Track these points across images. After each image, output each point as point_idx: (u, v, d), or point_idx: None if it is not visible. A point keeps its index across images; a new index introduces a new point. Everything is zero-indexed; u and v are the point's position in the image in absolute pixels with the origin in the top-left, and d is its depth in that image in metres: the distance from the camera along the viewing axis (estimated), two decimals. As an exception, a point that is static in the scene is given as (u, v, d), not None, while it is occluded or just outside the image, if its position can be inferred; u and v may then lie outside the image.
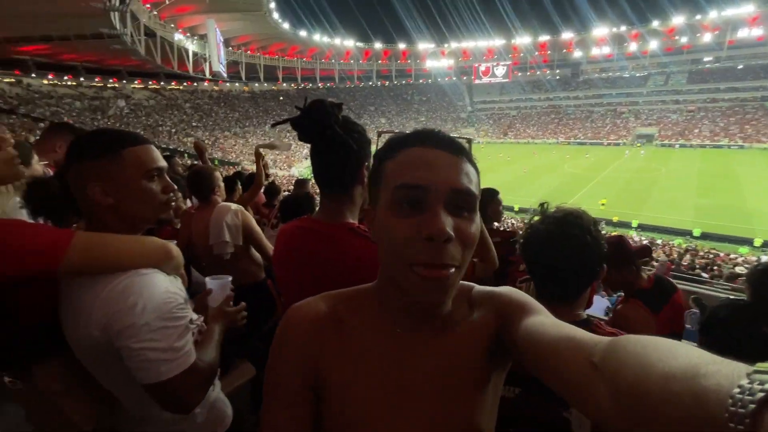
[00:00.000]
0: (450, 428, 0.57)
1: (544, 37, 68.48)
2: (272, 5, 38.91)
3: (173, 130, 37.55)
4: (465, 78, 73.32)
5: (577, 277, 0.98)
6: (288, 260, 1.03)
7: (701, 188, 24.89)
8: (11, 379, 0.82)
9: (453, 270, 0.51)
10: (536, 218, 1.04)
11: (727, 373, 0.30)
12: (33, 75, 33.43)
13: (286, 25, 46.42)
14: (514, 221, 16.56)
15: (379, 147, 0.62)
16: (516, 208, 20.28)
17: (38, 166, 1.79)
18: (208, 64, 39.70)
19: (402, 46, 73.47)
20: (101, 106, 35.70)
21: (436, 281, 0.50)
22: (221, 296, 1.14)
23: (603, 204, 21.18)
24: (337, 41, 63.09)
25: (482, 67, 70.33)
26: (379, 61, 72.83)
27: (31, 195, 1.17)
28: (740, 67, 51.33)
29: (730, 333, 1.63)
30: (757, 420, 0.25)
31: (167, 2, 30.01)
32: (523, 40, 69.61)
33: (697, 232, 17.21)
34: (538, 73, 69.88)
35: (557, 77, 67.96)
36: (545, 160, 38.59)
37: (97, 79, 37.96)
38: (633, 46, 60.16)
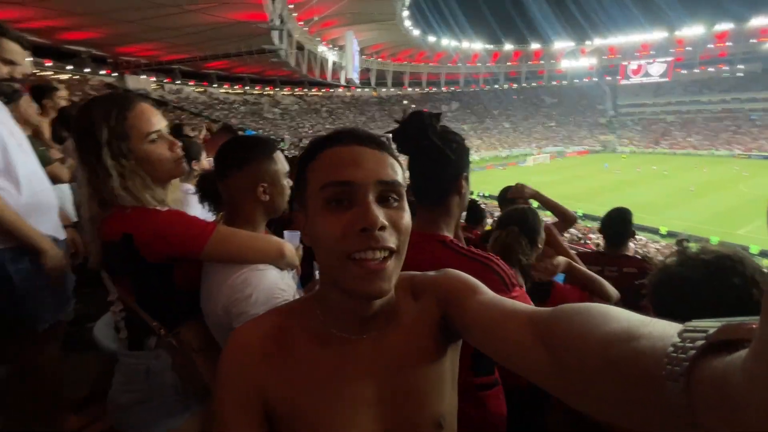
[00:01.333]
0: (409, 427, 0.58)
1: (724, 26, 55.80)
2: (405, 13, 40.64)
3: (310, 132, 42.53)
4: (608, 78, 64.67)
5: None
6: None
7: None
8: (166, 332, 1.04)
9: (391, 258, 0.51)
10: (671, 259, 0.85)
11: (659, 334, 0.31)
12: (215, 85, 41.97)
13: (416, 32, 48.03)
14: (656, 246, 13.95)
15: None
16: (663, 231, 17.08)
17: (205, 162, 2.26)
18: (344, 72, 43.67)
19: (535, 46, 68.71)
20: (258, 110, 42.67)
21: (375, 272, 0.50)
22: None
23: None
24: (465, 44, 62.45)
25: (632, 65, 60.91)
26: (508, 63, 69.47)
27: (200, 185, 1.49)
28: None
29: None
30: (691, 375, 0.27)
31: (316, 18, 34.02)
32: (691, 31, 57.98)
33: None
34: (711, 69, 57.32)
35: (740, 74, 54.68)
36: (713, 175, 31.44)
37: (257, 88, 45.56)
38: None
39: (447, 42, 58.41)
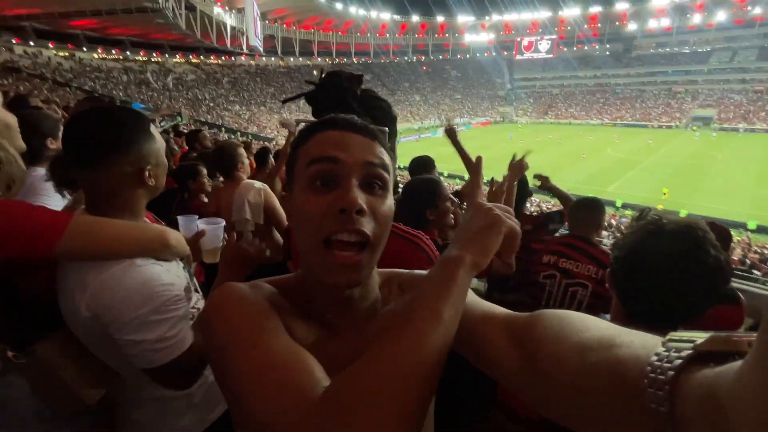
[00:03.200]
0: None
1: (595, 9, 63.52)
2: (308, -24, 38.31)
3: (212, 104, 38.58)
4: (506, 53, 69.85)
5: (695, 311, 0.76)
6: None
7: (762, 177, 22.76)
8: (14, 353, 0.84)
9: (365, 251, 0.51)
10: (632, 234, 0.82)
11: (642, 343, 0.31)
12: (84, 49, 35.14)
13: (322, -3, 45.76)
14: (548, 206, 15.94)
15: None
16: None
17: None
18: (245, 38, 40.02)
19: (440, 19, 70.67)
20: (144, 79, 37.13)
21: (349, 264, 0.49)
22: (215, 240, 1.16)
23: (665, 195, 19.65)
24: (373, 14, 61.56)
25: (525, 42, 66.53)
26: (416, 35, 70.57)
27: (55, 169, 1.19)
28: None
29: None
30: (676, 384, 0.27)
31: (206, -25, 30.26)
32: (571, 12, 64.92)
33: (752, 225, 15.86)
34: (586, 48, 65.30)
35: (607, 52, 63.27)
36: (592, 142, 36.50)
37: (141, 53, 39.39)
38: (696, 18, 54.66)
39: (354, 10, 56.85)
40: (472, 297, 0.55)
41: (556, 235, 2.21)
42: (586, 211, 1.90)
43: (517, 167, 1.66)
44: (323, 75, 0.89)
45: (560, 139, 37.83)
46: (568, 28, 66.00)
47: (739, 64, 49.79)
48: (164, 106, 32.22)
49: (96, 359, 0.88)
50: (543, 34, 66.72)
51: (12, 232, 0.74)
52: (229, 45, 40.76)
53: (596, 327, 0.37)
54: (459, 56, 73.06)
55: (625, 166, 26.67)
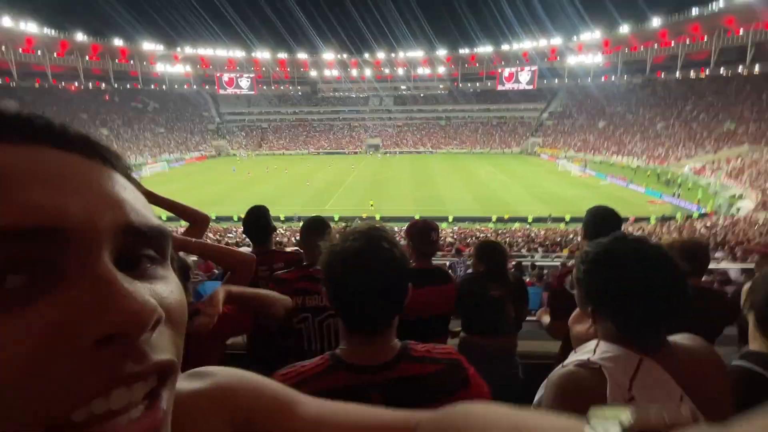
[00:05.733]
0: None
1: (283, 55, 72.64)
2: None
3: None
4: (207, 87, 68.48)
5: (392, 299, 0.85)
6: None
7: (414, 184, 32.97)
8: None
9: (166, 388, 0.25)
10: (334, 244, 0.87)
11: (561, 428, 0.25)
12: None
13: None
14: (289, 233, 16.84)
15: None
16: (282, 218, 20.80)
17: None
18: None
19: (118, 42, 60.85)
20: None
21: None
22: None
23: (372, 205, 24.58)
24: (6, 23, 45.67)
25: (225, 78, 67.56)
26: (87, 58, 57.73)
27: None
28: (422, 95, 71.05)
29: (471, 301, 2.03)
30: None
31: None
32: (263, 54, 71.36)
33: (417, 217, 22.63)
34: (282, 87, 73.54)
35: (299, 93, 73.64)
36: (302, 169, 41.34)
37: None
38: (354, 72, 72.55)
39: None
40: (321, 403, 0.40)
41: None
42: (316, 234, 1.75)
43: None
44: None
45: (284, 168, 41.10)
46: (263, 68, 72.18)
47: (385, 107, 69.98)
48: None
49: None
50: (242, 71, 69.92)
51: None
52: None
53: (508, 423, 0.28)
54: (153, 87, 65.42)
55: (334, 186, 32.09)
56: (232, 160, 49.85)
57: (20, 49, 49.15)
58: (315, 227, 1.90)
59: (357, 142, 60.96)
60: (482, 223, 21.52)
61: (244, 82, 68.45)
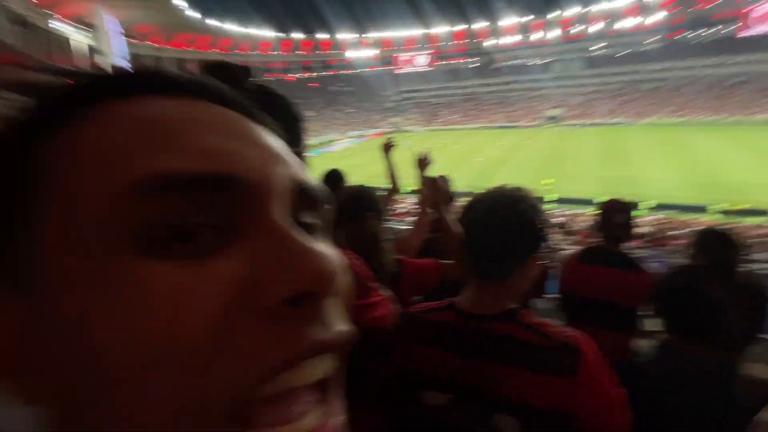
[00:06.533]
0: None
1: (460, 27, 71.68)
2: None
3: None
4: (389, 67, 74.22)
5: (507, 249, 0.84)
6: None
7: (602, 162, 28.27)
8: None
9: (336, 390, 0.21)
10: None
11: None
12: None
13: (191, 12, 42.80)
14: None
15: None
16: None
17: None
18: (103, 58, 35.22)
19: (322, 36, 71.92)
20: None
21: None
22: None
23: (549, 183, 22.10)
24: (252, 31, 59.76)
25: (404, 57, 71.73)
26: (300, 52, 70.58)
27: None
28: (620, 54, 58.79)
29: (677, 297, 1.67)
30: None
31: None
32: (440, 29, 72.12)
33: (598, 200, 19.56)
34: (456, 61, 73.09)
35: (473, 65, 71.75)
36: (470, 145, 40.86)
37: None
38: (536, 35, 65.57)
39: (232, 28, 54.44)
40: None
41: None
42: None
43: (423, 161, 1.90)
44: (206, 67, 0.70)
45: (453, 143, 41.65)
46: (441, 44, 73.10)
47: (571, 72, 61.11)
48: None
49: None
50: (420, 49, 72.75)
51: None
52: (86, 67, 35.31)
53: None
54: (346, 71, 75.19)
55: (502, 162, 30.65)
56: (407, 136, 53.44)
57: (260, 51, 63.84)
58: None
59: (534, 114, 55.78)
60: (694, 214, 16.92)
61: (421, 60, 71.16)
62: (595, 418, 0.76)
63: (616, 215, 1.84)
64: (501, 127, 53.57)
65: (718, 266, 1.74)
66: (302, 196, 0.22)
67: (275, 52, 65.94)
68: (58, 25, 31.16)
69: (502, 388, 0.78)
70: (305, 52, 71.39)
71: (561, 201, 20.54)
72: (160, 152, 0.18)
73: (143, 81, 0.21)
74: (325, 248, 0.20)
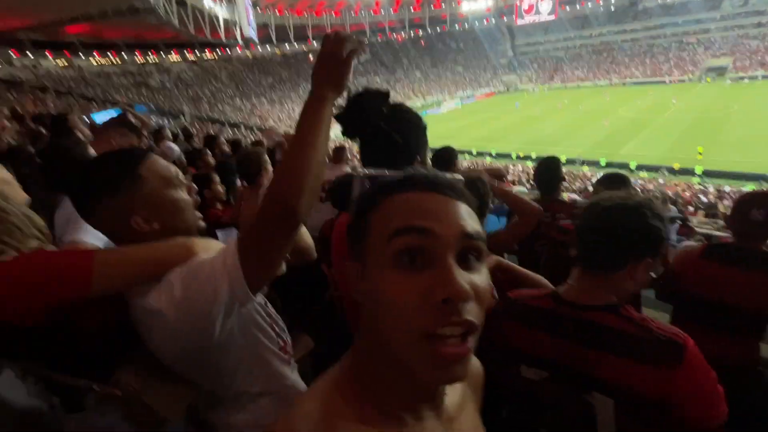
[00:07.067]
0: None
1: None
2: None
3: (212, 100, 38.49)
4: (505, 19, 67.40)
5: (627, 244, 0.89)
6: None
7: (782, 125, 21.90)
8: (99, 385, 0.86)
9: (471, 338, 0.43)
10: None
11: None
12: (81, 55, 35.13)
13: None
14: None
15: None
16: (563, 160, 19.19)
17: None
18: (239, 29, 39.44)
19: (434, -11, 68.26)
20: (143, 81, 37.11)
21: (458, 360, 0.42)
22: None
23: (701, 153, 18.67)
24: (366, -9, 59.82)
25: (524, 5, 63.98)
26: (411, 9, 68.44)
27: None
28: None
29: None
30: None
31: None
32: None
33: (775, 176, 15.34)
34: (588, 5, 62.55)
35: (610, 8, 60.54)
36: (599, 104, 35.48)
37: (137, 54, 39.18)
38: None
39: (346, -11, 55.26)
40: None
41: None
42: (613, 189, 1.84)
43: (496, 174, 1.85)
44: (350, 97, 0.90)
45: (575, 103, 36.94)
46: (569, -15, 63.16)
47: (754, 7, 46.88)
48: (166, 107, 32.24)
49: (173, 380, 0.91)
50: (543, -6, 64.06)
51: (44, 282, 0.75)
52: (223, 38, 40.18)
53: None
54: (457, 27, 70.85)
55: (638, 125, 25.93)
56: (519, 95, 48.82)
57: (371, 11, 63.94)
58: (611, 181, 1.91)
59: (688, 66, 45.24)
60: None
61: (545, 6, 62.53)
62: (693, 409, 0.80)
63: (753, 210, 1.57)
64: (639, 83, 45.06)
65: None
66: (468, 243, 0.44)
67: (385, 12, 65.24)
68: (209, 4, 35.67)
69: (598, 371, 0.85)
70: (416, 9, 69.01)
71: (708, 174, 16.75)
72: (402, 219, 0.44)
73: (410, 181, 0.47)
74: (473, 277, 0.44)
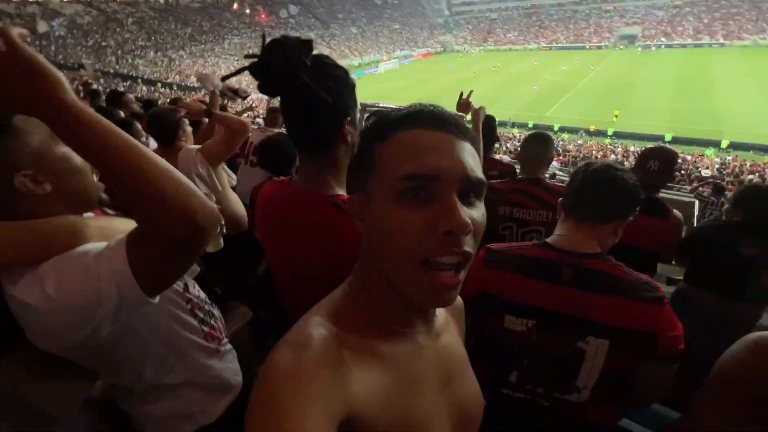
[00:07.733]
0: (475, 408, 0.61)
1: None
2: None
3: (119, 52, 33.54)
4: (442, -25, 66.11)
5: (621, 200, 1.00)
6: (269, 231, 0.94)
7: (678, 92, 24.84)
8: None
9: (464, 268, 0.48)
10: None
11: None
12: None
13: None
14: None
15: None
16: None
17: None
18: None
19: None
20: (26, 24, 30.92)
21: (451, 286, 0.46)
22: None
23: (616, 116, 20.91)
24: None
25: (460, -39, 63.04)
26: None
27: None
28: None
29: (712, 253, 1.71)
30: None
31: None
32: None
33: (668, 137, 17.59)
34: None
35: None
36: (526, 67, 37.05)
37: (14, -9, 32.30)
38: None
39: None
40: None
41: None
42: (538, 147, 1.90)
43: (464, 106, 1.82)
44: (266, 45, 0.77)
45: (506, 66, 38.10)
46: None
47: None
48: (60, 58, 27.48)
49: (67, 372, 0.80)
50: (478, -49, 63.34)
51: None
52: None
53: None
54: (393, -20, 68.01)
55: (561, 89, 27.74)
56: (454, 56, 49.10)
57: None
58: (536, 140, 1.93)
59: (605, 33, 48.69)
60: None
61: (479, -35, 62.31)
62: (671, 340, 0.92)
63: (651, 161, 1.82)
64: (563, 48, 47.70)
65: (753, 223, 1.70)
66: (470, 183, 0.47)
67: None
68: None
69: (593, 314, 0.92)
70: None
71: (619, 136, 18.70)
72: (411, 163, 0.46)
73: (419, 116, 0.49)
74: (472, 212, 0.47)
